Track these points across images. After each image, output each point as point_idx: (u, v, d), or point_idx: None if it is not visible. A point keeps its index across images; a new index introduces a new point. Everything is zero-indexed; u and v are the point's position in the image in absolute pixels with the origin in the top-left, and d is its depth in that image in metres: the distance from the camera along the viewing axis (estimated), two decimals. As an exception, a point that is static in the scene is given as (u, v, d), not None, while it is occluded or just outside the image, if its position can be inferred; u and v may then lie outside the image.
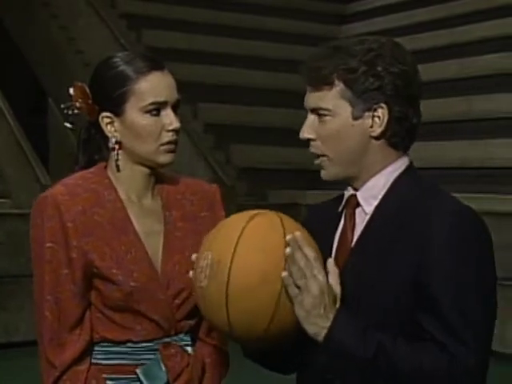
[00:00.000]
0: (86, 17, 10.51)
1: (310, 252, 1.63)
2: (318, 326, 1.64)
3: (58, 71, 10.76)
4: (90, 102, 2.01)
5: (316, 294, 1.62)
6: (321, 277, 1.63)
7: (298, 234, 1.63)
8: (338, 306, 1.66)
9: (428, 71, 9.63)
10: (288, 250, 1.62)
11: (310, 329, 1.64)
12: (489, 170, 8.20)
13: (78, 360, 1.94)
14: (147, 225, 2.01)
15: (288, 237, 1.63)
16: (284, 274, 1.62)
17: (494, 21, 9.85)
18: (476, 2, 10.39)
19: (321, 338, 1.64)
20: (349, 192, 1.83)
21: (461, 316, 1.63)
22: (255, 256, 1.62)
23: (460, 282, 1.65)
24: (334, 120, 1.76)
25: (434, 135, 9.02)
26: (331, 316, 1.64)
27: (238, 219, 1.69)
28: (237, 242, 1.63)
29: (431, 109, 9.13)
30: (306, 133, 1.80)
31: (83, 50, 10.50)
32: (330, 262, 1.69)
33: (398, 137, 1.77)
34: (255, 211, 1.71)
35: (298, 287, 1.62)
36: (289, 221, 1.69)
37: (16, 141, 8.38)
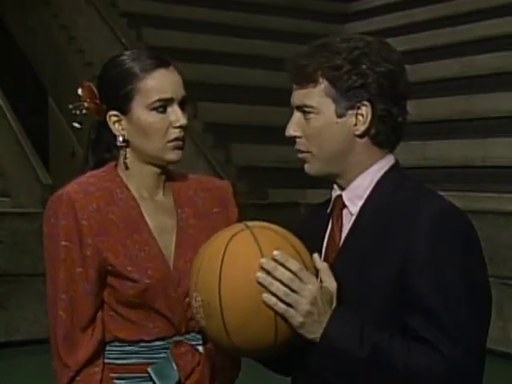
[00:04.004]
0: (87, 16, 10.50)
1: (293, 265, 1.61)
2: (313, 332, 1.63)
3: (58, 70, 10.76)
4: (98, 101, 2.02)
5: (308, 307, 1.61)
6: (310, 285, 1.62)
7: (275, 252, 1.61)
8: (334, 305, 1.65)
9: (428, 70, 9.65)
10: (258, 274, 1.60)
11: (307, 336, 1.64)
12: (491, 169, 8.19)
13: (91, 360, 1.94)
14: (160, 221, 2.01)
15: (262, 260, 1.61)
16: (264, 295, 1.60)
17: (495, 20, 9.84)
18: (476, 0, 10.38)
19: (317, 341, 1.64)
20: (335, 192, 1.83)
21: (451, 317, 1.63)
22: (241, 290, 1.61)
23: (445, 282, 1.64)
24: (319, 117, 1.76)
25: (436, 135, 9.02)
26: (326, 320, 1.63)
27: (216, 249, 1.66)
28: (219, 281, 1.62)
29: (431, 108, 9.15)
30: (291, 130, 1.80)
31: (84, 49, 10.49)
32: (316, 257, 1.68)
33: (383, 135, 1.77)
34: (229, 235, 1.67)
35: (288, 304, 1.60)
36: (265, 237, 1.65)
37: (16, 140, 8.37)
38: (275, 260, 1.61)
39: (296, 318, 1.61)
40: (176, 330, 1.98)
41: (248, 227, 1.67)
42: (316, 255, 1.68)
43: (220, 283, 1.62)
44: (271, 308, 1.61)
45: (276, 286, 1.60)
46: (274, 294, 1.60)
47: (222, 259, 1.63)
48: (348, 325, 1.64)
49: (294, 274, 1.60)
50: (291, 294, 1.60)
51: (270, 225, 1.70)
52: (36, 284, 7.00)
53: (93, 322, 1.94)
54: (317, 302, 1.62)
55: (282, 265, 1.60)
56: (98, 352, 1.95)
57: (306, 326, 1.62)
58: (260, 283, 1.60)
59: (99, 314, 1.96)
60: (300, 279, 1.61)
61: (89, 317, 1.94)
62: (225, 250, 1.64)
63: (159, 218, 2.01)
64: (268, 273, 1.60)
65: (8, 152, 8.60)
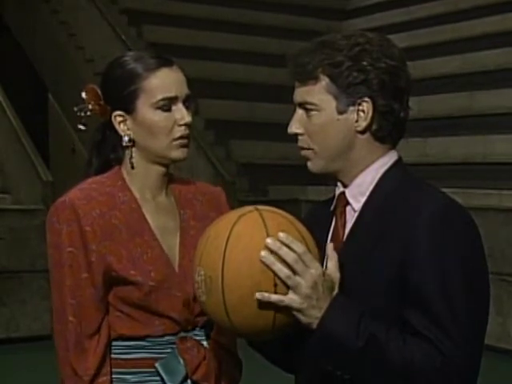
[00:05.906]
0: (87, 12, 10.50)
1: (298, 247, 1.62)
2: (311, 317, 1.64)
3: (58, 67, 10.76)
4: (102, 102, 2.03)
5: (307, 290, 1.62)
6: (313, 270, 1.62)
7: (281, 234, 1.62)
8: (335, 292, 1.66)
9: (430, 67, 9.65)
10: (262, 253, 1.61)
11: (304, 320, 1.64)
12: (491, 165, 8.19)
13: (100, 369, 1.94)
14: (162, 221, 2.03)
15: (267, 240, 1.62)
16: (267, 274, 1.61)
17: (496, 16, 9.85)
18: (478, -3, 10.39)
19: (313, 327, 1.64)
20: (339, 189, 1.83)
21: (450, 315, 1.63)
22: (243, 268, 1.62)
23: (446, 280, 1.65)
24: (320, 114, 1.77)
25: (436, 131, 9.02)
26: (325, 306, 1.64)
27: (223, 227, 1.68)
28: (223, 257, 1.63)
29: (432, 105, 9.15)
30: (293, 127, 1.81)
31: (84, 45, 10.50)
32: (329, 246, 1.69)
33: (385, 131, 1.77)
34: (237, 214, 1.69)
35: (288, 285, 1.61)
36: (273, 221, 1.67)
37: (17, 137, 8.37)
38: (280, 241, 1.62)
39: (296, 299, 1.62)
40: (181, 327, 2.00)
41: (257, 209, 1.69)
42: (330, 244, 1.70)
43: (224, 260, 1.63)
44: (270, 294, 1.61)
45: (278, 267, 1.61)
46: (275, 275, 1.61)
47: (228, 237, 1.65)
48: (346, 314, 1.64)
49: (298, 256, 1.62)
50: (292, 276, 1.61)
51: (279, 210, 1.72)
52: (36, 281, 7.00)
53: (99, 328, 1.95)
54: (317, 286, 1.62)
55: (287, 246, 1.62)
56: (106, 359, 1.96)
57: (303, 309, 1.63)
58: (263, 262, 1.61)
59: (105, 318, 1.96)
60: (303, 262, 1.62)
61: (96, 322, 1.95)
62: (231, 229, 1.66)
63: (161, 218, 2.03)
64: (272, 252, 1.61)
65: (8, 149, 8.60)
